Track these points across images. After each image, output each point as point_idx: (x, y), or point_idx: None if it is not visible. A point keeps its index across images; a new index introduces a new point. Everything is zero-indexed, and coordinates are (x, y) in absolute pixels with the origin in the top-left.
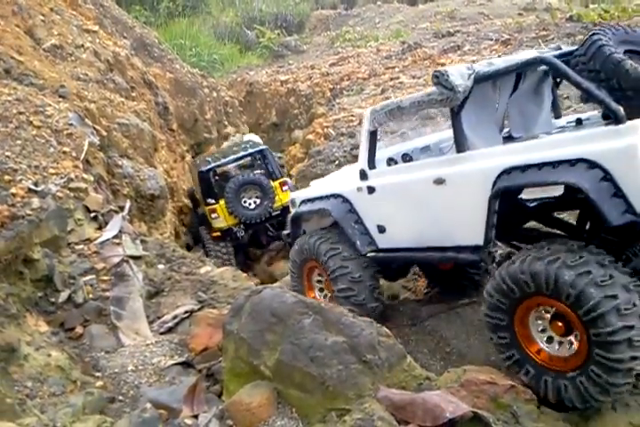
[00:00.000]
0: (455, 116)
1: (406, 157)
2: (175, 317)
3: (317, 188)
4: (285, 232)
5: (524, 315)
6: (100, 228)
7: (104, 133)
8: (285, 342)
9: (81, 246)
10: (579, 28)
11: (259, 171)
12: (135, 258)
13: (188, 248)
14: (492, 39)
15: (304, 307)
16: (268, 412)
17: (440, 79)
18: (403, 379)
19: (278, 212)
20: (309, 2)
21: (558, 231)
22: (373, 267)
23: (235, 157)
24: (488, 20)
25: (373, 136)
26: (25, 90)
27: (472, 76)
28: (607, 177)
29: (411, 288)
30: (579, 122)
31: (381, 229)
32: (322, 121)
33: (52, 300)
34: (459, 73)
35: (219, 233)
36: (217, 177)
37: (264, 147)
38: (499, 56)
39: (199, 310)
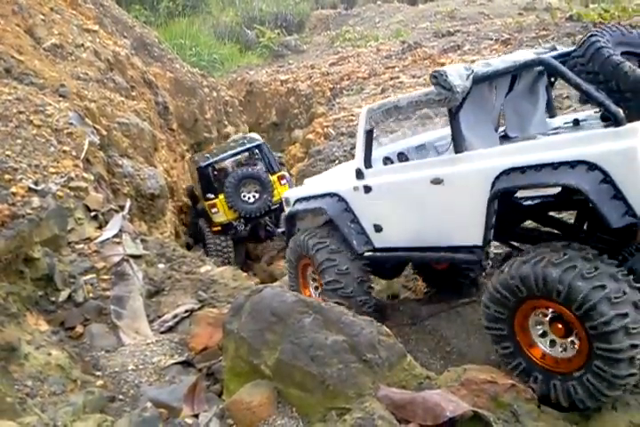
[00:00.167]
0: (453, 116)
1: (402, 156)
2: (175, 316)
3: (312, 186)
4: (280, 230)
5: (523, 321)
6: (100, 227)
7: (104, 133)
8: (285, 341)
9: (81, 245)
10: (579, 28)
11: (257, 167)
12: (135, 257)
13: (188, 248)
14: (492, 39)
15: (304, 306)
16: (268, 411)
17: (439, 79)
18: (403, 378)
19: (277, 205)
20: (309, 1)
21: (556, 231)
22: (362, 259)
23: (232, 151)
24: (488, 20)
25: (370, 135)
26: (25, 89)
27: (470, 77)
28: (607, 179)
29: (411, 288)
30: (576, 122)
31: (378, 229)
32: (322, 120)
33: (53, 299)
34: (457, 73)
35: (219, 227)
36: (216, 172)
37: (261, 141)
38: (499, 56)
39: (199, 309)
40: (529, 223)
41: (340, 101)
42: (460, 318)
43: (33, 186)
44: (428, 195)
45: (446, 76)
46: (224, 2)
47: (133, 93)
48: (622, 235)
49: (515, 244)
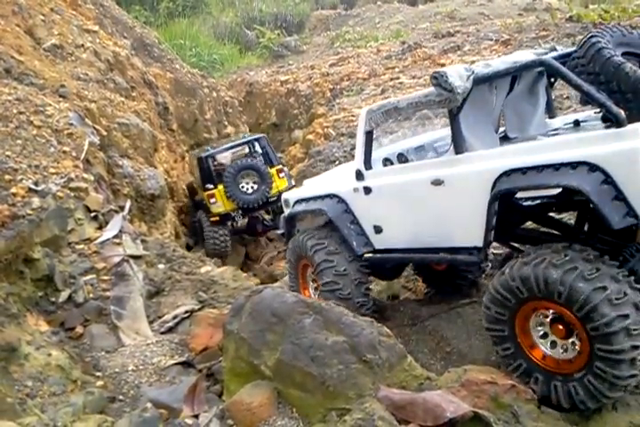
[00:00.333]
0: (454, 117)
1: (401, 157)
2: (175, 316)
3: (311, 188)
4: (279, 232)
5: (523, 323)
6: (100, 227)
7: (104, 133)
8: (286, 341)
9: (81, 246)
10: (578, 29)
11: (257, 159)
12: (135, 258)
13: (189, 248)
14: (492, 39)
15: (304, 307)
16: (268, 412)
17: (439, 80)
18: (403, 379)
19: (275, 198)
20: (309, 2)
21: (556, 232)
22: (360, 261)
23: (233, 143)
24: (488, 21)
25: (369, 136)
26: (25, 89)
27: (471, 78)
28: (608, 180)
29: (411, 288)
30: (576, 123)
31: (378, 230)
32: (322, 121)
33: (53, 299)
34: (458, 74)
35: (217, 218)
36: (215, 163)
37: (261, 135)
38: (498, 56)
39: (199, 309)
40: (529, 224)
41: (339, 102)
42: (460, 318)
43: (33, 186)
44: (428, 196)
45: (447, 77)
46: (224, 2)
47: (133, 94)
48: (623, 236)
49: (515, 245)
